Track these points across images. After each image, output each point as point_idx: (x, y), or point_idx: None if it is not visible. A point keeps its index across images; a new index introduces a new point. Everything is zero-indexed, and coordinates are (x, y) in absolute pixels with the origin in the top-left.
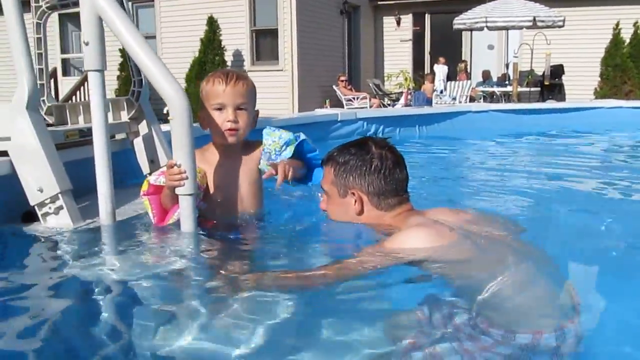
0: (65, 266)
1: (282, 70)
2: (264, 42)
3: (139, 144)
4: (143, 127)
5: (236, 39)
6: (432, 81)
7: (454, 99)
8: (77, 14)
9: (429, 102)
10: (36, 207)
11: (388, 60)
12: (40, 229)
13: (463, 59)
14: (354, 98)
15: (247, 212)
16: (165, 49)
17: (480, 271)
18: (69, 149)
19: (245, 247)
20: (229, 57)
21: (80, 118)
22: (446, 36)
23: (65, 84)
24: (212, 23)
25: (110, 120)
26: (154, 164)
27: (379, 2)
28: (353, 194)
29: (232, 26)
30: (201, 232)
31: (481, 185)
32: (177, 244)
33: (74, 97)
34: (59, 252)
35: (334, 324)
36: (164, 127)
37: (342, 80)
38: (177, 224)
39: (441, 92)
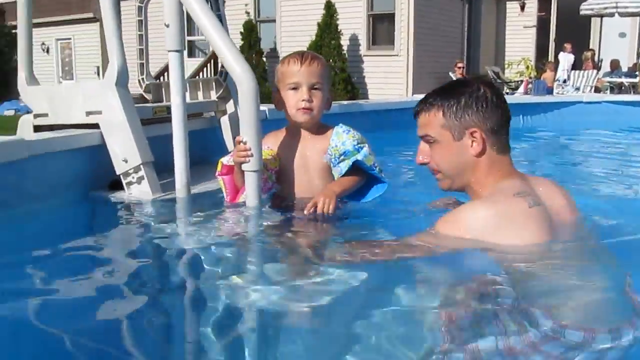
0: (141, 232)
1: (397, 55)
2: (381, 26)
3: (225, 122)
4: (230, 106)
5: (353, 23)
6: (554, 70)
7: (577, 89)
8: None
9: (549, 91)
10: (121, 176)
11: (509, 48)
12: (124, 197)
13: (591, 47)
14: None
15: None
16: (284, 33)
17: (541, 260)
18: (158, 124)
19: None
20: (345, 42)
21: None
22: (573, 23)
23: (190, 65)
24: (329, 7)
25: (201, 98)
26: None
27: None
28: (472, 133)
29: (349, 10)
30: (274, 209)
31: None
32: (243, 218)
33: (197, 76)
34: (137, 218)
35: (380, 313)
36: None
37: (459, 67)
38: None
39: (564, 81)
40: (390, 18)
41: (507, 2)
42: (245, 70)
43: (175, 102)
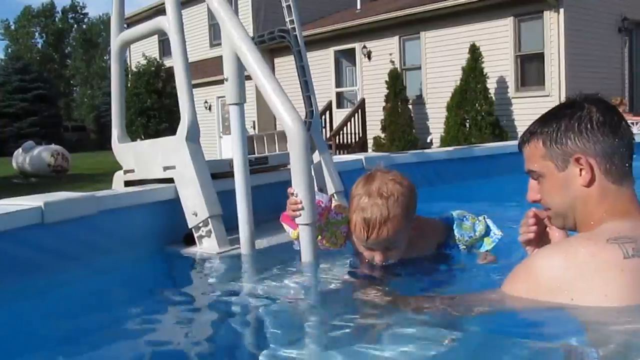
0: (203, 288)
1: (548, 95)
2: (529, 67)
3: None
4: (316, 157)
5: (499, 65)
6: None
7: None
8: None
9: None
10: (193, 230)
11: None
12: (195, 251)
13: None
14: (633, 123)
15: None
16: (429, 79)
17: (630, 324)
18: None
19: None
20: (491, 84)
21: (267, 147)
22: None
23: (339, 115)
24: (474, 51)
25: (283, 150)
26: (322, 192)
27: None
28: (577, 159)
29: (495, 52)
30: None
31: None
32: (298, 275)
33: (345, 127)
34: (201, 274)
35: None
36: (340, 157)
37: (619, 104)
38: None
39: None
40: (539, 57)
41: None
42: (295, 119)
43: (237, 155)
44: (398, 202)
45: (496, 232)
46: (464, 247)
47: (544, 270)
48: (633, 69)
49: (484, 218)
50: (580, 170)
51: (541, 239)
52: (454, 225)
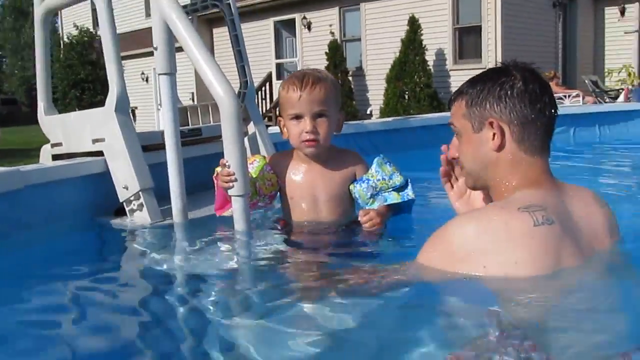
0: (135, 259)
1: (485, 68)
2: (467, 39)
3: (245, 144)
4: (250, 128)
5: (438, 37)
6: None
7: None
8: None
9: None
10: (124, 203)
11: (609, 55)
12: (125, 224)
13: None
14: (565, 96)
15: (324, 223)
16: (369, 51)
17: (538, 290)
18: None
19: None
20: (430, 57)
21: (201, 119)
22: None
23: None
24: (413, 23)
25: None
26: None
27: None
28: (491, 123)
29: (434, 25)
30: (273, 232)
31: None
32: (233, 244)
33: None
34: (131, 245)
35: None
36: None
37: (552, 77)
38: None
39: None
40: (477, 30)
41: (606, 8)
42: (227, 91)
43: (168, 127)
44: (330, 78)
45: (410, 194)
46: (372, 187)
47: (458, 239)
48: (566, 44)
49: (408, 180)
50: (493, 134)
51: (467, 202)
52: (374, 162)
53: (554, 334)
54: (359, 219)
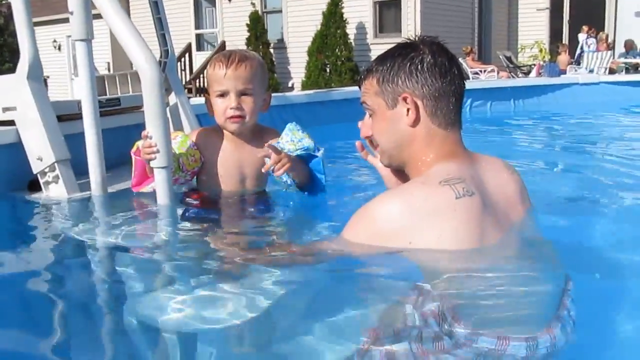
0: (50, 233)
1: None
2: (388, 13)
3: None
4: (172, 99)
5: (359, 11)
6: (568, 52)
7: (591, 71)
8: None
9: (562, 74)
10: (38, 176)
11: (522, 31)
12: (40, 197)
13: (606, 27)
14: (481, 71)
15: (246, 196)
16: (290, 23)
17: (462, 262)
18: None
19: (228, 223)
20: (351, 30)
21: (119, 89)
22: (588, 3)
23: (199, 58)
24: None
25: (137, 91)
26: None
27: None
28: (405, 99)
29: None
30: (188, 205)
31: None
32: (155, 217)
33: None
34: (49, 219)
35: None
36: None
37: (468, 53)
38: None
39: (578, 63)
40: (397, 4)
41: None
42: (149, 59)
43: (85, 96)
44: (258, 58)
45: (318, 154)
46: (281, 148)
47: (382, 216)
48: (482, 20)
49: (322, 149)
50: (408, 110)
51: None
52: (286, 127)
53: (477, 307)
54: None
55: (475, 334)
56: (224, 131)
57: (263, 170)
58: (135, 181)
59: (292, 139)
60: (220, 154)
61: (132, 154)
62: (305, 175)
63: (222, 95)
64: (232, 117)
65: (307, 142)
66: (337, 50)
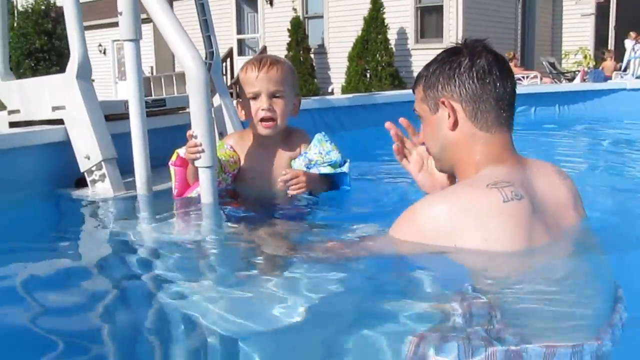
0: (96, 231)
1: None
2: (429, 19)
3: None
4: (216, 100)
5: (400, 16)
6: (613, 58)
7: (638, 77)
8: None
9: (607, 81)
10: (85, 174)
11: (566, 37)
12: (86, 195)
13: None
14: (523, 77)
15: (279, 199)
16: (331, 29)
17: (510, 267)
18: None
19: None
20: (392, 36)
21: (165, 90)
22: (635, 9)
23: (240, 63)
24: (376, 1)
25: (182, 92)
26: (222, 136)
27: None
28: (444, 103)
29: (396, 4)
30: (227, 205)
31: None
32: (200, 216)
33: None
34: (95, 217)
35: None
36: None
37: (511, 59)
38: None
39: (624, 70)
40: (438, 10)
41: None
42: (195, 58)
43: (133, 95)
44: (288, 63)
45: (344, 169)
46: (308, 159)
47: (428, 217)
48: (525, 25)
49: (348, 161)
50: (448, 113)
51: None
52: (315, 137)
53: (525, 312)
54: (282, 177)
55: (524, 342)
56: (254, 134)
57: (278, 188)
58: (177, 192)
59: (320, 151)
60: (251, 156)
61: (170, 165)
62: (324, 190)
63: (254, 97)
64: (263, 119)
65: (335, 155)
66: (377, 55)
